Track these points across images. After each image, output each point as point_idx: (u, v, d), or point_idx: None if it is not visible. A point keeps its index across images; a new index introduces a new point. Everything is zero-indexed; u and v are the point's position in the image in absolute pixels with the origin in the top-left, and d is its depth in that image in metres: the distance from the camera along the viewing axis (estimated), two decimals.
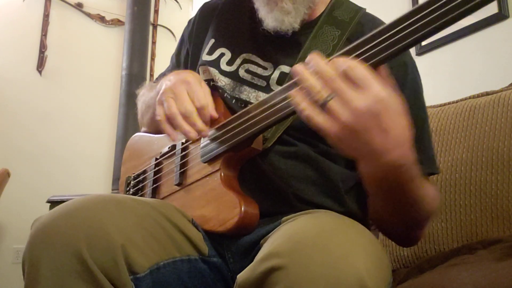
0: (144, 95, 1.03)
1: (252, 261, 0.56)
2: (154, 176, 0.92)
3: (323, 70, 0.55)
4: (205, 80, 0.84)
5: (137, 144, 1.06)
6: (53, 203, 2.47)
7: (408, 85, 0.80)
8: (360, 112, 0.52)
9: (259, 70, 0.84)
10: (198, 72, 0.89)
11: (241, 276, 0.55)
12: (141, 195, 0.95)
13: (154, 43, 3.53)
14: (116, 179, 2.99)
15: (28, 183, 2.91)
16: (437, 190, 0.98)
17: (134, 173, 1.00)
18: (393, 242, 0.95)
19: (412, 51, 1.41)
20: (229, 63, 0.87)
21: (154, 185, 0.91)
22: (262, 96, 0.79)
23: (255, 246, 0.69)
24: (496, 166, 0.94)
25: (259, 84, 0.83)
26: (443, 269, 0.78)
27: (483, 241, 0.84)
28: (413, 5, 1.84)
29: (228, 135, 0.75)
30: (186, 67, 0.97)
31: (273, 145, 0.78)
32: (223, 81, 0.86)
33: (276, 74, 0.82)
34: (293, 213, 0.72)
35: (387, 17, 0.69)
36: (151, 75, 3.45)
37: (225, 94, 0.85)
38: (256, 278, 0.52)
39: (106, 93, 3.34)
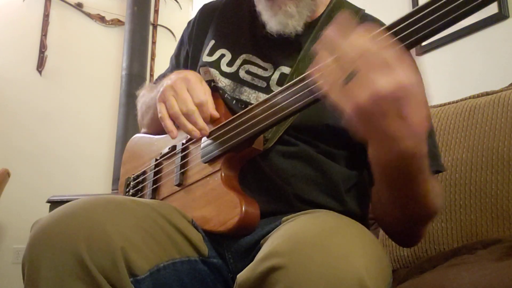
0: (144, 96, 1.03)
1: (252, 261, 0.56)
2: (154, 176, 0.92)
3: (353, 45, 0.52)
4: (206, 81, 0.84)
5: (137, 145, 1.06)
6: (53, 203, 2.47)
7: None
8: (380, 95, 0.49)
9: (259, 71, 0.84)
10: (199, 73, 0.89)
11: (241, 276, 0.55)
12: (141, 196, 0.95)
13: (154, 43, 3.53)
14: (116, 179, 2.99)
15: (28, 183, 2.91)
16: (441, 188, 0.98)
17: (134, 174, 1.00)
18: (393, 242, 0.95)
19: (412, 51, 1.41)
20: (229, 64, 0.88)
21: (154, 186, 0.91)
22: (262, 97, 0.79)
23: (255, 247, 0.69)
24: (496, 166, 0.94)
25: (259, 85, 0.83)
26: (443, 269, 0.78)
27: (483, 241, 0.84)
28: (413, 5, 1.84)
29: (229, 135, 0.75)
30: (186, 69, 0.97)
31: (274, 145, 0.78)
32: (223, 82, 0.86)
33: (276, 75, 0.83)
34: (294, 213, 0.71)
35: (387, 17, 0.69)
36: (151, 75, 3.45)
37: (226, 95, 0.85)
38: (256, 277, 0.52)
39: (106, 93, 3.34)
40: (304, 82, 0.64)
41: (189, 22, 1.02)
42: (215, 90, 0.85)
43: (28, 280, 0.58)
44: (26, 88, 3.12)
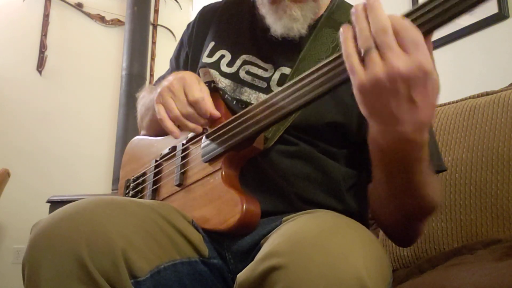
0: (144, 98, 1.03)
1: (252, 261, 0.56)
2: (154, 177, 0.92)
3: (380, 19, 0.52)
4: (206, 82, 0.84)
5: (137, 147, 1.06)
6: (53, 203, 2.47)
7: None
8: (397, 72, 0.50)
9: (260, 72, 0.84)
10: (198, 75, 0.89)
11: (241, 276, 0.55)
12: (141, 197, 0.95)
13: (154, 43, 3.53)
14: (116, 179, 2.99)
15: (28, 183, 2.91)
16: (441, 185, 0.98)
17: (133, 176, 1.00)
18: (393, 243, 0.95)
19: None
20: (229, 64, 0.88)
21: (154, 187, 0.91)
22: (263, 97, 0.79)
23: (256, 247, 0.69)
24: (496, 166, 0.94)
25: (259, 85, 0.83)
26: (443, 269, 0.79)
27: (483, 241, 0.84)
28: (413, 5, 1.84)
29: (229, 134, 0.75)
30: (185, 70, 0.97)
31: (275, 144, 0.78)
32: (223, 83, 0.86)
33: (276, 76, 0.83)
34: (294, 212, 0.72)
35: None
36: (151, 75, 3.45)
37: (226, 96, 0.85)
38: (256, 277, 0.52)
39: (106, 93, 3.34)
40: (305, 81, 0.64)
41: (188, 24, 1.02)
42: (215, 91, 0.86)
43: (28, 282, 0.58)
44: (26, 88, 3.12)
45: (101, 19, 3.43)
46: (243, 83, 0.85)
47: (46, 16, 3.23)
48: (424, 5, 0.54)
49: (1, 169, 2.30)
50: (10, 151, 2.96)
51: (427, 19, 0.53)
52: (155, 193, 0.91)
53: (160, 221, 0.68)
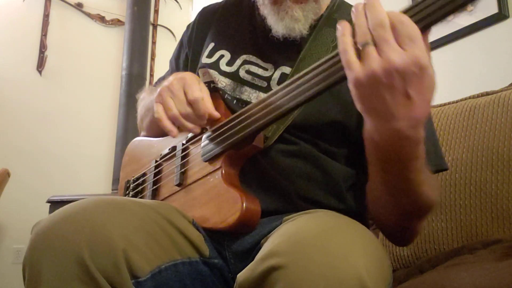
0: (144, 99, 1.03)
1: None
2: (154, 178, 0.92)
3: (378, 14, 0.52)
4: (206, 83, 0.85)
5: (137, 148, 1.06)
6: (53, 203, 2.47)
7: None
8: (393, 67, 0.50)
9: (260, 71, 0.85)
10: (198, 75, 0.89)
11: (241, 275, 0.55)
12: (141, 198, 0.95)
13: (154, 43, 3.53)
14: (116, 179, 2.99)
15: (28, 183, 2.91)
16: (438, 183, 0.98)
17: (133, 177, 1.00)
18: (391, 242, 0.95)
19: None
20: (229, 63, 0.88)
21: (154, 187, 0.91)
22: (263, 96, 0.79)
23: (256, 247, 0.69)
24: (496, 166, 0.94)
25: (259, 84, 0.83)
26: (443, 269, 0.79)
27: (483, 241, 0.84)
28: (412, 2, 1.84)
29: (229, 133, 0.76)
30: (185, 71, 0.97)
31: (274, 143, 0.78)
32: (223, 82, 0.86)
33: (276, 75, 0.83)
34: (295, 211, 0.72)
35: None
36: (151, 75, 3.45)
37: (226, 95, 0.85)
38: (256, 277, 0.52)
39: (106, 93, 3.34)
40: (303, 79, 0.64)
41: (188, 25, 1.02)
42: (215, 91, 0.86)
43: (29, 282, 0.58)
44: (26, 88, 3.12)
45: (101, 19, 3.43)
46: (243, 82, 0.85)
47: (46, 16, 3.23)
48: (422, 0, 0.54)
49: (1, 169, 2.30)
50: (10, 151, 2.96)
51: (425, 15, 0.53)
52: (155, 193, 0.91)
53: (160, 221, 0.68)
